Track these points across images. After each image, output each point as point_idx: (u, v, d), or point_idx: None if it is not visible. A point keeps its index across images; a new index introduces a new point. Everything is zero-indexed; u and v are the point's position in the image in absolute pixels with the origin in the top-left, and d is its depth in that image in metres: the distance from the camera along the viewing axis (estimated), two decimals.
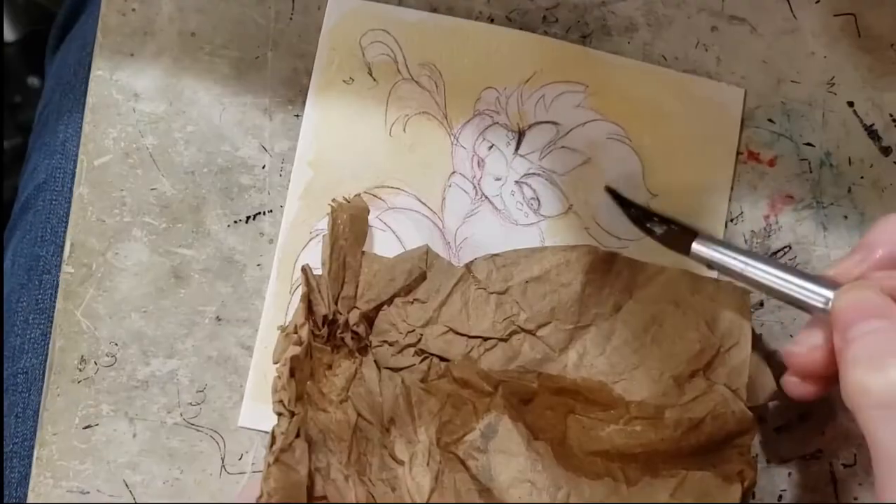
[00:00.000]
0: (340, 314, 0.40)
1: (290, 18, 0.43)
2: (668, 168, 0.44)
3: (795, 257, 0.45)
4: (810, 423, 0.43)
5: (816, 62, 0.46)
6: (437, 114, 0.43)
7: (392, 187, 0.43)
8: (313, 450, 0.37)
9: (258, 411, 0.41)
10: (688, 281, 0.42)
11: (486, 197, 0.43)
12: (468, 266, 0.42)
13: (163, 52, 0.43)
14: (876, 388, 0.30)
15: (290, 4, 0.43)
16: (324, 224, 0.42)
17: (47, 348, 0.44)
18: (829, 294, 0.35)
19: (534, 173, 0.44)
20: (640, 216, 0.42)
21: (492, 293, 0.41)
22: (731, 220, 0.44)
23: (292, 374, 0.38)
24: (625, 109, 0.44)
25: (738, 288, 0.41)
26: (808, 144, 0.45)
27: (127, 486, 0.41)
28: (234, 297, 0.42)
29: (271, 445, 0.36)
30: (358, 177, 0.43)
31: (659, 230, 0.41)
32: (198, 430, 0.41)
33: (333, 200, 0.41)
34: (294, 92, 0.43)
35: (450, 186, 0.43)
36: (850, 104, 0.45)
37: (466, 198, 0.43)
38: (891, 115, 0.45)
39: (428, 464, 0.38)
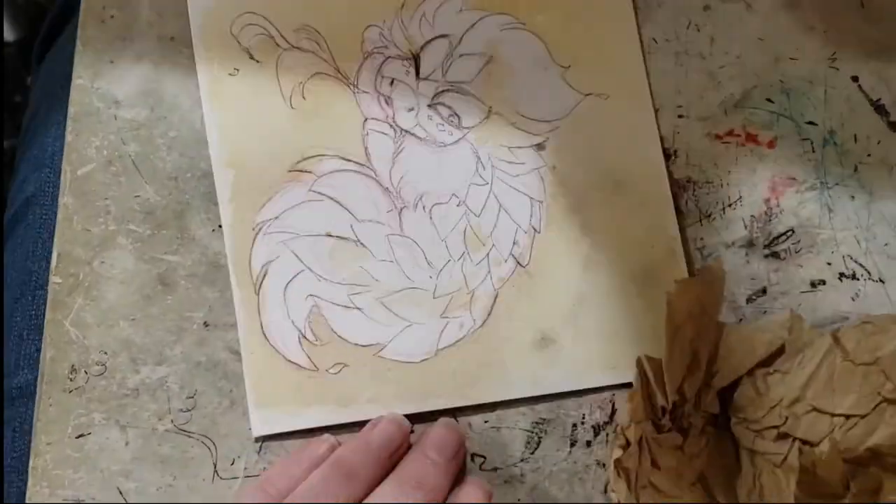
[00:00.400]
0: (686, 401, 0.39)
1: None
2: (571, 37, 0.43)
3: (799, 241, 0.43)
4: None
5: (816, 37, 0.44)
6: (329, 70, 0.43)
7: (314, 156, 0.42)
8: None
9: (268, 417, 0.41)
10: None
11: (406, 131, 0.43)
12: (834, 335, 0.40)
13: (142, 58, 0.43)
14: None
15: None
16: (264, 214, 0.42)
17: None
18: None
19: (443, 90, 0.43)
20: None
21: (859, 364, 0.39)
22: (730, 206, 0.43)
23: (620, 474, 0.37)
24: None
25: None
26: (810, 123, 0.43)
27: (121, 493, 0.41)
28: (221, 301, 0.42)
29: None
30: (277, 158, 0.42)
31: None
32: (189, 437, 0.41)
33: (669, 293, 0.39)
34: None
35: (367, 134, 0.43)
36: (855, 79, 0.44)
37: (387, 139, 0.43)
38: None
39: None
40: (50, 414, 0.41)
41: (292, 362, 0.41)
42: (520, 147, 0.43)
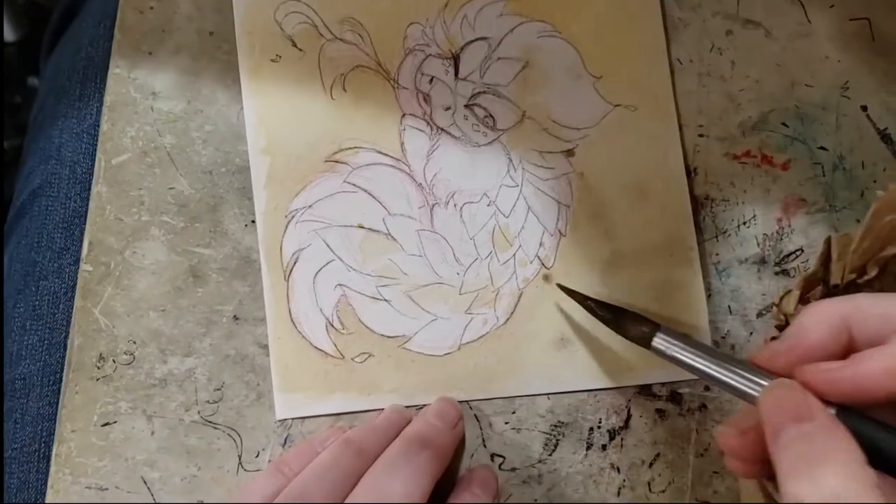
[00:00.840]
0: (864, 275, 0.40)
1: None
2: (604, 49, 0.45)
3: (808, 260, 0.45)
4: None
5: (830, 66, 0.46)
6: (371, 64, 0.44)
7: (350, 148, 0.43)
8: None
9: (292, 401, 0.42)
10: None
11: (442, 129, 0.44)
12: None
13: (181, 51, 0.43)
14: (810, 500, 0.29)
15: None
16: (298, 202, 0.42)
17: (45, 354, 0.45)
18: (760, 386, 0.35)
19: (480, 92, 0.44)
20: (599, 309, 0.41)
21: None
22: (744, 223, 0.45)
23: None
24: (546, 5, 0.45)
25: None
26: (822, 148, 0.45)
27: (145, 482, 0.41)
28: (252, 296, 0.42)
29: None
30: (314, 148, 0.43)
31: (622, 324, 0.40)
32: (215, 428, 0.42)
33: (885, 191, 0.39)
34: None
35: (404, 130, 0.44)
36: (864, 108, 0.46)
37: (423, 136, 0.44)
38: None
39: None
40: (76, 401, 0.41)
41: (318, 349, 0.42)
42: (550, 152, 0.44)
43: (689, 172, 0.45)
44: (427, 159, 0.44)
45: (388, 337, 0.43)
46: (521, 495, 0.43)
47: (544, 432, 0.43)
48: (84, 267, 0.42)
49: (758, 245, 0.45)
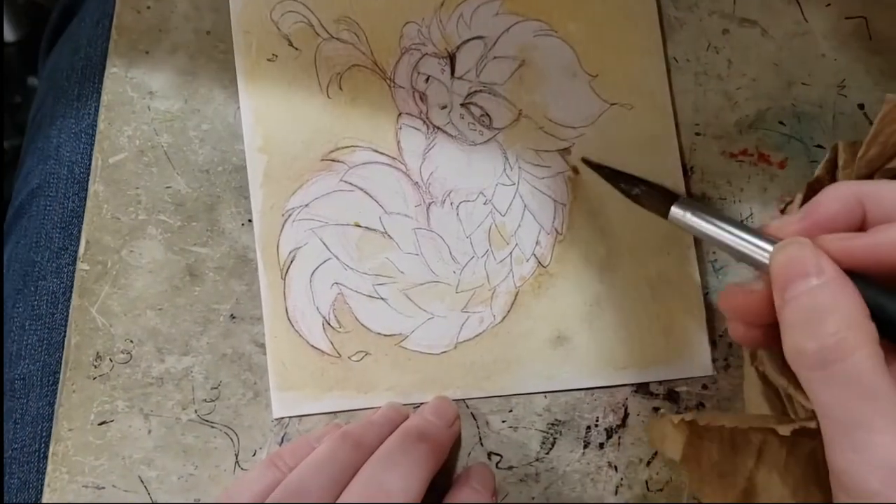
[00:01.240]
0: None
1: None
2: (600, 47, 0.45)
3: None
4: None
5: (827, 65, 0.46)
6: (367, 63, 0.44)
7: (347, 147, 0.43)
8: None
9: (289, 399, 0.42)
10: None
11: (438, 128, 0.44)
12: None
13: (178, 50, 0.43)
14: (810, 350, 0.29)
15: None
16: (295, 201, 0.43)
17: (44, 354, 0.45)
18: (769, 249, 0.34)
19: (476, 91, 0.44)
20: (620, 178, 0.42)
21: None
22: (742, 222, 0.45)
23: None
24: (542, 4, 0.45)
25: None
26: (819, 146, 0.45)
27: (142, 481, 0.41)
28: (248, 295, 0.42)
29: None
30: (310, 147, 0.43)
31: (638, 191, 0.41)
32: (212, 427, 0.42)
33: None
34: None
35: (400, 129, 0.44)
36: (861, 107, 0.46)
37: (420, 135, 0.44)
38: None
39: None
40: (73, 400, 0.41)
41: (315, 348, 0.42)
42: (546, 151, 0.44)
43: (686, 171, 0.45)
44: (423, 158, 0.44)
45: (385, 335, 0.43)
46: (519, 494, 0.43)
47: (541, 430, 0.43)
48: (81, 266, 0.42)
49: None
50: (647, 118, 0.45)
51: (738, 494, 0.39)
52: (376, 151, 0.43)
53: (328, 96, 0.43)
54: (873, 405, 0.28)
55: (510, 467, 0.43)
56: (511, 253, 0.44)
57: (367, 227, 0.43)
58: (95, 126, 0.43)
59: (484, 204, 0.44)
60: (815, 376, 0.29)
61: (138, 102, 0.43)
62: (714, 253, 0.44)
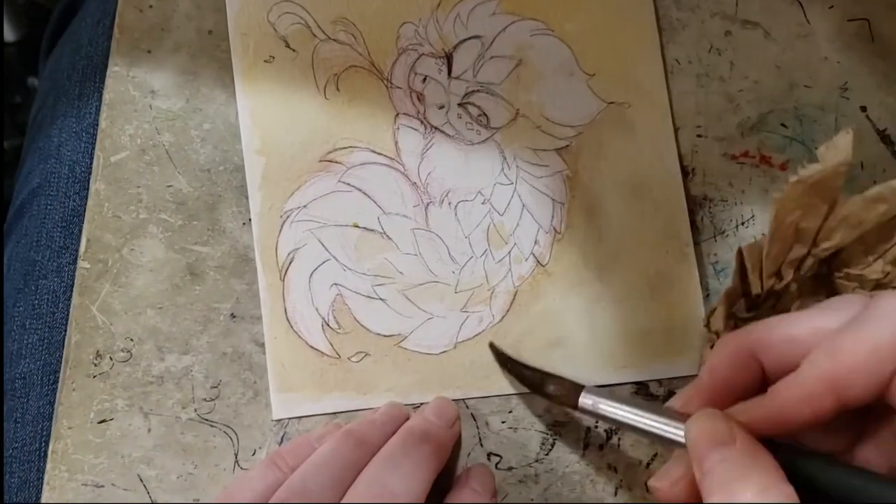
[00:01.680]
0: (783, 279, 0.41)
1: None
2: (597, 46, 0.45)
3: None
4: None
5: (830, 67, 0.46)
6: (364, 63, 0.44)
7: (344, 147, 0.43)
8: None
9: (288, 401, 0.42)
10: None
11: (436, 128, 0.44)
12: None
13: (180, 49, 0.43)
14: None
15: None
16: (293, 202, 0.43)
17: (45, 353, 0.45)
18: (681, 426, 0.35)
19: (473, 91, 0.44)
20: (524, 375, 0.42)
21: None
22: (743, 224, 0.45)
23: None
24: (538, 4, 0.45)
25: None
26: None
27: (141, 480, 0.41)
28: (249, 294, 0.42)
29: None
30: (308, 148, 0.43)
31: (548, 388, 0.41)
32: (212, 426, 0.42)
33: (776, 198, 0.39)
34: None
35: (398, 129, 0.44)
36: (863, 109, 0.46)
37: (417, 135, 0.44)
38: None
39: None
40: (73, 398, 0.41)
41: (314, 349, 0.42)
42: (544, 150, 0.44)
43: (688, 172, 0.45)
44: (421, 158, 0.44)
45: (384, 336, 0.43)
46: (518, 495, 0.42)
47: (541, 431, 0.43)
48: (82, 264, 0.42)
49: None
50: (644, 117, 0.45)
51: None
52: (374, 152, 0.43)
53: (326, 97, 0.43)
54: None
55: (510, 468, 0.43)
56: (510, 252, 0.44)
57: (365, 228, 0.43)
58: (96, 125, 0.43)
59: (482, 203, 0.44)
60: None
61: (140, 101, 0.43)
62: (715, 254, 0.44)
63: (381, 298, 0.43)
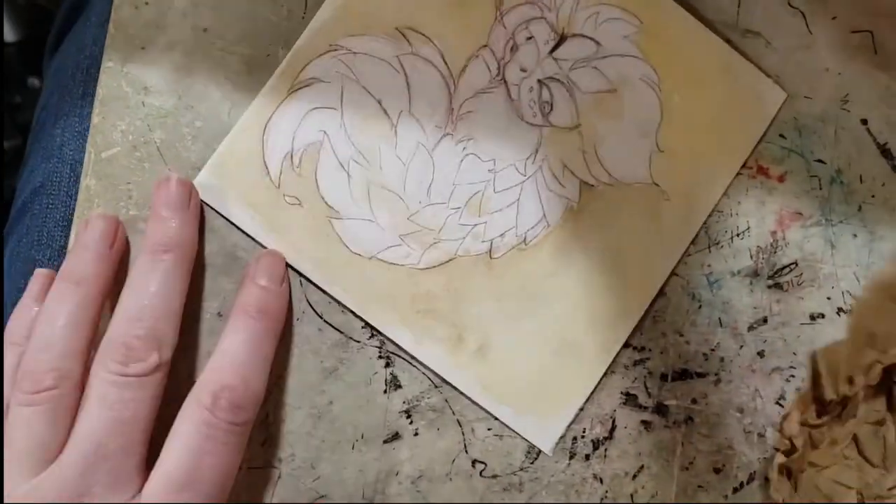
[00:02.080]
0: (855, 385, 0.42)
1: (303, 17, 0.43)
2: (685, 135, 0.44)
3: (801, 274, 0.44)
4: None
5: (830, 78, 0.45)
6: None
7: (423, 34, 0.43)
8: None
9: (214, 187, 0.42)
10: None
11: (505, 81, 0.43)
12: None
13: (174, 47, 0.43)
14: None
15: (302, 3, 0.43)
16: (349, 43, 0.43)
17: None
18: None
19: (558, 80, 0.44)
20: None
21: None
22: (738, 235, 0.44)
23: (783, 472, 0.41)
24: (668, 60, 0.44)
25: None
26: (819, 161, 0.45)
27: None
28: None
29: None
30: (400, 5, 0.43)
31: None
32: None
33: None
34: None
35: (476, 57, 0.43)
36: (864, 122, 0.45)
37: (487, 74, 0.43)
38: None
39: None
40: None
41: (265, 164, 0.42)
42: (572, 173, 0.44)
43: None
44: (474, 94, 0.43)
45: (326, 203, 0.43)
46: (502, 503, 0.42)
47: (527, 440, 0.42)
48: None
49: (751, 258, 0.44)
50: (671, 213, 0.44)
51: None
52: (443, 59, 0.43)
53: None
54: None
55: (494, 476, 0.42)
56: (475, 225, 0.43)
57: (384, 110, 0.43)
58: None
59: (489, 171, 0.43)
60: None
61: (133, 98, 0.43)
62: (709, 266, 0.44)
63: (347, 172, 0.43)
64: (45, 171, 0.48)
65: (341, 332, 0.42)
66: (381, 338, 0.42)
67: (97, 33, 0.49)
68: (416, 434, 0.42)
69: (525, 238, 0.43)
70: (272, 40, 0.43)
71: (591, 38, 0.44)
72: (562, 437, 0.43)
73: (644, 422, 0.43)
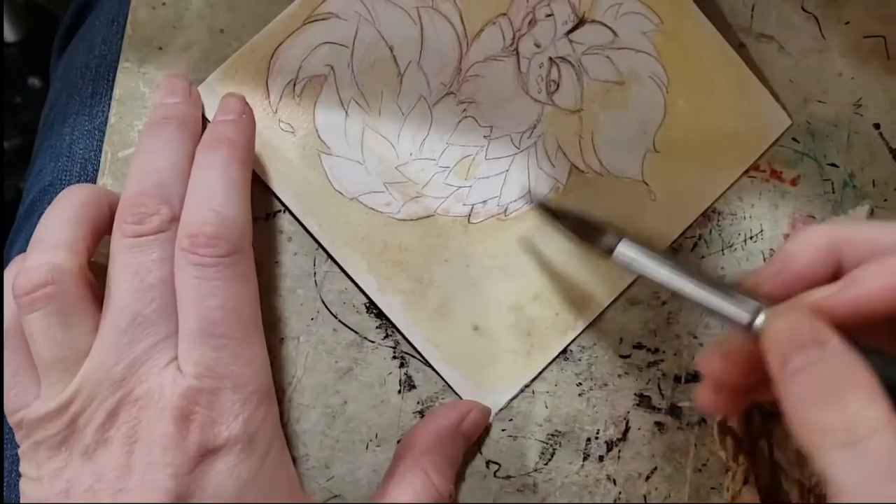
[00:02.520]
0: None
1: None
2: (683, 140, 0.44)
3: None
4: None
5: (844, 83, 0.45)
6: None
7: None
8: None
9: (217, 85, 0.42)
10: None
11: (518, 53, 0.44)
12: None
13: (191, 47, 0.43)
14: (836, 426, 0.27)
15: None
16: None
17: None
18: (750, 313, 0.32)
19: (569, 61, 0.44)
20: (568, 222, 0.40)
21: None
22: (751, 238, 0.44)
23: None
24: (680, 63, 0.44)
25: None
26: (832, 165, 0.45)
27: None
28: None
29: None
30: None
31: (577, 225, 0.39)
32: None
33: None
34: None
35: (493, 23, 0.44)
36: (877, 126, 0.45)
37: (500, 42, 0.44)
38: None
39: None
40: None
41: (266, 86, 0.43)
42: (565, 155, 0.44)
43: None
44: (484, 59, 0.43)
45: (319, 138, 0.43)
46: None
47: (541, 441, 0.43)
48: None
49: (764, 260, 0.44)
50: (655, 214, 0.44)
51: None
52: (461, 19, 0.43)
53: None
54: None
55: (508, 476, 0.42)
56: (459, 188, 0.43)
57: (393, 57, 0.43)
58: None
59: (483, 137, 0.43)
60: (841, 455, 0.27)
61: (150, 98, 0.43)
62: (723, 268, 0.44)
63: (346, 111, 0.43)
64: (55, 170, 0.48)
65: (356, 333, 0.42)
66: (396, 338, 0.42)
67: (106, 32, 0.49)
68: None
69: (506, 209, 0.43)
70: None
71: (610, 28, 0.44)
72: (501, 409, 0.42)
73: (658, 423, 0.43)
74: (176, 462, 0.34)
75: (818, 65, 0.45)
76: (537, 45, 0.44)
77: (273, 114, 0.43)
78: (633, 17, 0.44)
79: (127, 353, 0.35)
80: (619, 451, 0.43)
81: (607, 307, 0.43)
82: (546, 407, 0.43)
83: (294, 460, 0.41)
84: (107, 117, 0.43)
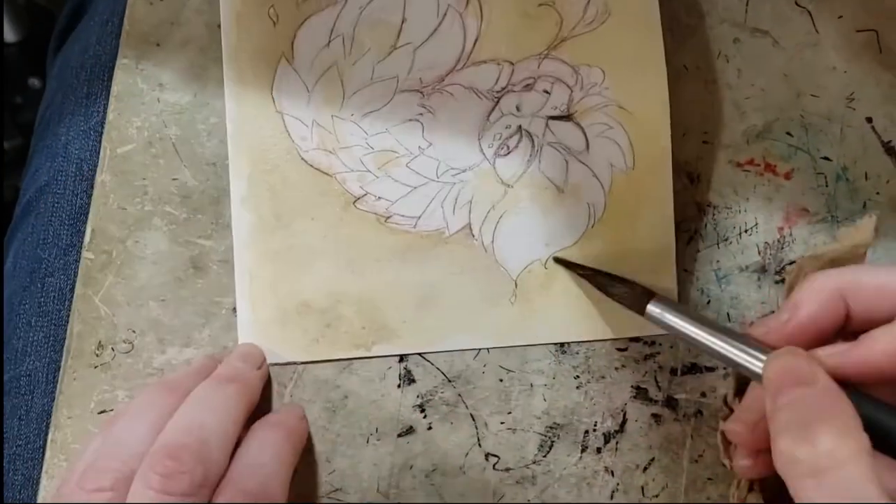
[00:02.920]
0: None
1: None
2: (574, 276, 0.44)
3: None
4: None
5: (837, 77, 0.46)
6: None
7: (481, 7, 0.43)
8: None
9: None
10: None
11: (498, 101, 0.43)
12: None
13: (189, 43, 0.43)
14: (803, 458, 0.29)
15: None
16: None
17: (50, 351, 0.45)
18: (758, 359, 0.35)
19: (533, 140, 0.43)
20: (599, 277, 0.42)
21: None
22: (746, 231, 0.45)
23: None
24: (619, 209, 0.44)
25: None
26: (825, 158, 0.45)
27: None
28: None
29: None
30: None
31: (616, 290, 0.41)
32: None
33: None
34: None
35: (497, 63, 0.43)
36: (869, 120, 0.46)
37: (491, 83, 0.43)
38: None
39: None
40: (73, 388, 0.41)
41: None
42: (464, 216, 0.44)
43: (692, 179, 0.45)
44: (467, 86, 0.43)
45: (292, 44, 0.42)
46: (515, 496, 0.43)
47: (539, 433, 0.43)
48: (86, 255, 0.42)
49: (759, 253, 0.45)
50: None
51: None
52: (476, 39, 0.43)
53: None
54: None
55: (507, 469, 0.43)
56: (368, 171, 0.43)
57: (399, 29, 0.43)
58: (104, 124, 0.43)
59: (419, 147, 0.43)
60: (806, 485, 0.29)
61: (148, 94, 0.43)
62: (718, 261, 0.45)
63: (328, 42, 0.43)
64: (50, 169, 0.48)
65: None
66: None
67: (101, 32, 0.49)
68: (429, 428, 0.43)
69: (389, 217, 0.43)
70: None
71: (587, 140, 0.44)
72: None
73: (654, 415, 0.43)
74: None
75: (812, 59, 0.46)
76: (518, 109, 0.43)
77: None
78: (611, 147, 0.44)
79: None
80: (617, 442, 0.43)
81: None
82: (544, 400, 0.43)
83: None
84: (102, 117, 0.43)
